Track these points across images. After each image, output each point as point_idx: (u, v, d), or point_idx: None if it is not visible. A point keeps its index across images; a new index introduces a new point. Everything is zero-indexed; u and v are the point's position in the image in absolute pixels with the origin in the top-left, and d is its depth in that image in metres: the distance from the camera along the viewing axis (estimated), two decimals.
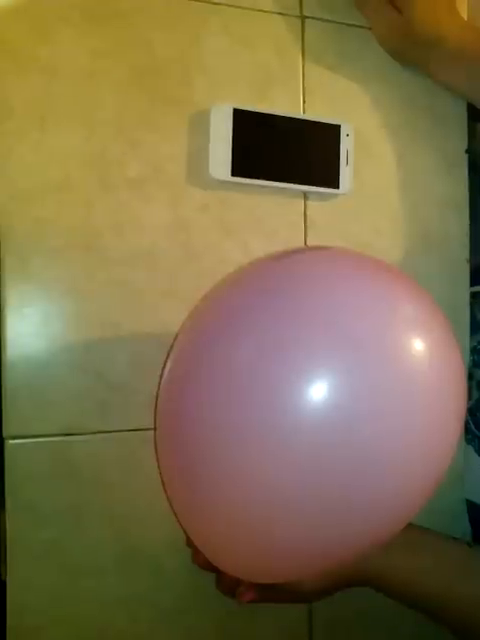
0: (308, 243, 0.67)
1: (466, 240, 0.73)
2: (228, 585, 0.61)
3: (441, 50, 0.65)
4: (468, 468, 0.71)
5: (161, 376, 0.56)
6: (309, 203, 0.67)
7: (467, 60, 0.65)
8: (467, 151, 0.73)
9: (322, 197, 0.67)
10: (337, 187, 0.66)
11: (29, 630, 0.58)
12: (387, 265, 0.57)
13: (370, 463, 0.46)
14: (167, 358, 0.56)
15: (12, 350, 0.57)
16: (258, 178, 0.64)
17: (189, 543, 0.61)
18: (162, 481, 0.58)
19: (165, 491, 0.58)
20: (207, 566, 0.59)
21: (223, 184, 0.63)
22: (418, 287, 0.52)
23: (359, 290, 0.48)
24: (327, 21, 0.68)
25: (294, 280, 0.49)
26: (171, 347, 0.57)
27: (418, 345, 0.47)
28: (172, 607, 0.63)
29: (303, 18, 0.67)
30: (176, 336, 0.57)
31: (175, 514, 0.58)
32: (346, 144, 0.66)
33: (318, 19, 0.67)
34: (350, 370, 0.45)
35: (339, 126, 0.66)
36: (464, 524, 0.72)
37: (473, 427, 0.70)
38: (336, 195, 0.67)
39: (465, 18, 0.72)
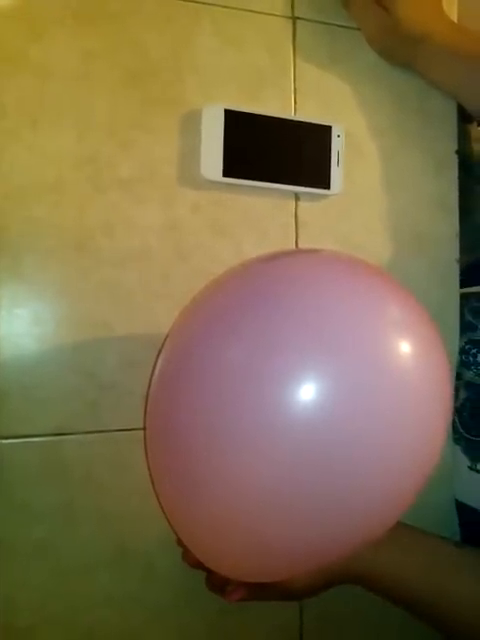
0: (299, 243, 0.67)
1: (456, 240, 0.73)
2: (217, 584, 0.61)
3: (427, 48, 0.66)
4: (456, 468, 0.71)
5: (151, 376, 0.57)
6: (300, 203, 0.67)
7: (453, 58, 0.66)
8: (457, 152, 0.74)
9: (313, 197, 0.67)
10: (328, 188, 0.66)
11: (21, 629, 0.58)
12: (375, 268, 0.57)
13: (358, 462, 0.46)
14: (157, 358, 0.56)
15: (3, 350, 0.57)
16: (249, 179, 0.64)
17: (180, 542, 0.61)
18: (151, 481, 0.59)
19: (155, 491, 0.59)
20: (197, 565, 0.59)
21: (215, 184, 0.63)
22: (405, 290, 0.53)
23: (347, 293, 0.49)
24: (318, 22, 0.68)
25: (284, 283, 0.49)
26: (161, 347, 0.57)
27: (404, 347, 0.48)
28: (164, 605, 0.63)
29: (294, 19, 0.67)
30: (166, 337, 0.57)
31: (165, 513, 0.58)
32: (337, 145, 0.66)
33: (309, 20, 0.68)
34: (338, 372, 0.45)
35: (330, 127, 0.66)
36: (454, 523, 0.73)
37: (460, 427, 0.70)
38: (327, 196, 0.67)
39: (455, 19, 0.73)
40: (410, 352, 0.48)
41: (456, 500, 0.72)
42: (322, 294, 0.49)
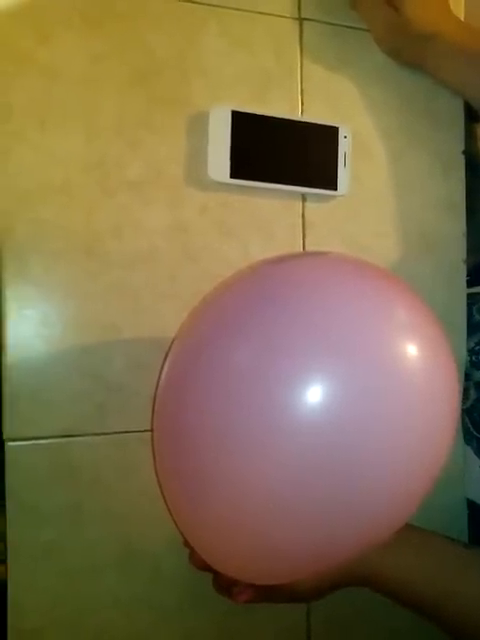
0: (306, 244, 0.67)
1: (463, 241, 0.73)
2: (224, 585, 0.61)
3: (437, 46, 0.66)
4: (467, 468, 0.71)
5: (159, 378, 0.57)
6: (307, 205, 0.67)
7: (462, 56, 0.66)
8: (464, 152, 0.74)
9: (320, 199, 0.67)
10: (335, 189, 0.66)
11: (29, 632, 0.58)
12: (383, 270, 0.57)
13: (365, 465, 0.46)
14: (165, 361, 0.56)
15: (12, 352, 0.57)
16: (257, 180, 0.64)
17: (187, 543, 0.61)
18: (159, 483, 0.59)
19: (162, 493, 0.59)
20: (204, 566, 0.59)
21: (222, 186, 0.63)
22: (412, 292, 0.52)
23: (354, 296, 0.49)
24: (325, 23, 0.68)
25: (291, 286, 0.49)
26: (169, 350, 0.57)
27: (411, 349, 0.48)
28: (170, 607, 0.63)
29: (301, 20, 0.67)
30: (174, 339, 0.57)
31: (172, 515, 0.58)
32: (344, 146, 0.66)
33: (316, 21, 0.67)
34: (344, 375, 0.45)
35: (337, 128, 0.66)
36: (465, 524, 0.72)
37: (471, 428, 0.70)
38: (334, 197, 0.67)
39: (462, 18, 0.73)
40: (417, 354, 0.48)
41: (467, 499, 0.72)
42: (329, 296, 0.49)
